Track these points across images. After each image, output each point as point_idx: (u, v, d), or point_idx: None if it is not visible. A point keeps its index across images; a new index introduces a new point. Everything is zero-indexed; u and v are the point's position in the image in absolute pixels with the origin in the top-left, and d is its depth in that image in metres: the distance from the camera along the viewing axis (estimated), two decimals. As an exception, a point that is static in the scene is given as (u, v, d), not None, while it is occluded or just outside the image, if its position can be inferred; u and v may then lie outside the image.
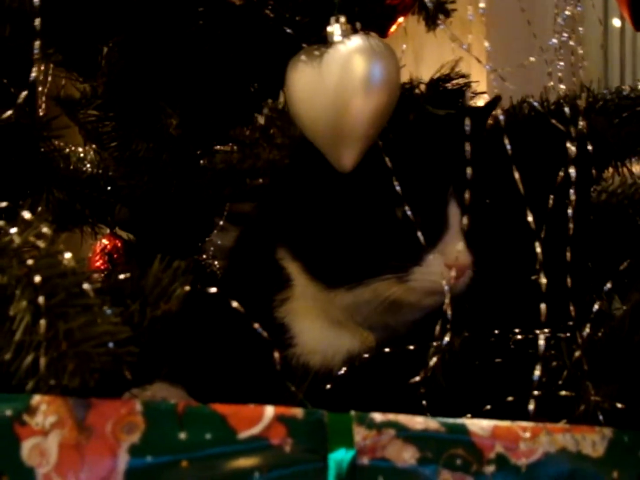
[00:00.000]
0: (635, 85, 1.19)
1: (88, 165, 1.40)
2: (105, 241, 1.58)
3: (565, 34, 1.00)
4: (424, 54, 2.37)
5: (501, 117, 0.80)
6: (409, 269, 0.93)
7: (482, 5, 0.77)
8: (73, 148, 1.43)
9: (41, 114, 1.38)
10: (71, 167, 1.38)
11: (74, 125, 1.34)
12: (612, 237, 1.14)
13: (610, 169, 1.17)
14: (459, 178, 0.85)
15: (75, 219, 1.45)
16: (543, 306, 0.78)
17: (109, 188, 1.36)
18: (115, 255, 1.57)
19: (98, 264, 1.58)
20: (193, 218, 1.35)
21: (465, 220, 0.88)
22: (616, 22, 3.03)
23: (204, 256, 1.48)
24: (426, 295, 0.94)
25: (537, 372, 0.77)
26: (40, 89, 1.34)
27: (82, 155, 1.42)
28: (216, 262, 1.48)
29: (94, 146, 1.39)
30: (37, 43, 0.77)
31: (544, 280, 0.79)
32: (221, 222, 1.45)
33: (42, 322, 0.64)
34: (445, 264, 0.92)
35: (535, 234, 0.80)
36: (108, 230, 1.55)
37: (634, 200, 1.18)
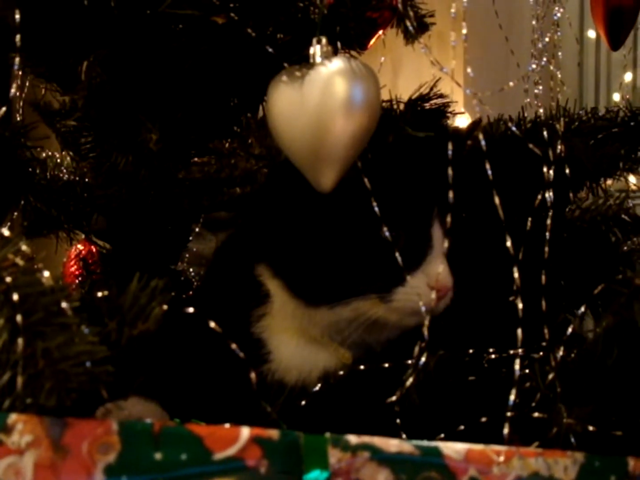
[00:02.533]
0: (611, 106, 1.21)
1: (65, 172, 1.40)
2: (80, 246, 1.57)
3: (544, 59, 1.01)
4: (402, 66, 2.38)
5: (482, 142, 0.80)
6: (391, 289, 0.93)
7: (464, 31, 0.77)
8: (50, 154, 1.43)
9: (18, 118, 1.37)
10: (48, 174, 1.37)
11: (52, 132, 1.34)
12: (585, 254, 1.15)
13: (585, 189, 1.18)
14: (442, 200, 0.86)
15: (50, 224, 1.44)
16: (519, 330, 0.79)
17: (85, 195, 1.35)
18: (90, 261, 1.56)
19: (73, 269, 1.57)
20: (170, 227, 1.35)
21: (447, 242, 0.89)
22: (591, 34, 3.06)
23: (180, 264, 1.48)
24: (408, 315, 0.94)
25: (512, 397, 0.78)
26: (17, 94, 1.33)
27: (59, 161, 1.42)
28: (191, 269, 1.48)
29: (71, 153, 1.38)
30: (17, 59, 0.76)
31: (520, 305, 0.79)
32: (197, 229, 1.45)
33: (20, 340, 0.64)
34: (427, 285, 0.93)
35: (513, 257, 0.81)
36: (83, 236, 1.55)
37: (607, 216, 1.19)
